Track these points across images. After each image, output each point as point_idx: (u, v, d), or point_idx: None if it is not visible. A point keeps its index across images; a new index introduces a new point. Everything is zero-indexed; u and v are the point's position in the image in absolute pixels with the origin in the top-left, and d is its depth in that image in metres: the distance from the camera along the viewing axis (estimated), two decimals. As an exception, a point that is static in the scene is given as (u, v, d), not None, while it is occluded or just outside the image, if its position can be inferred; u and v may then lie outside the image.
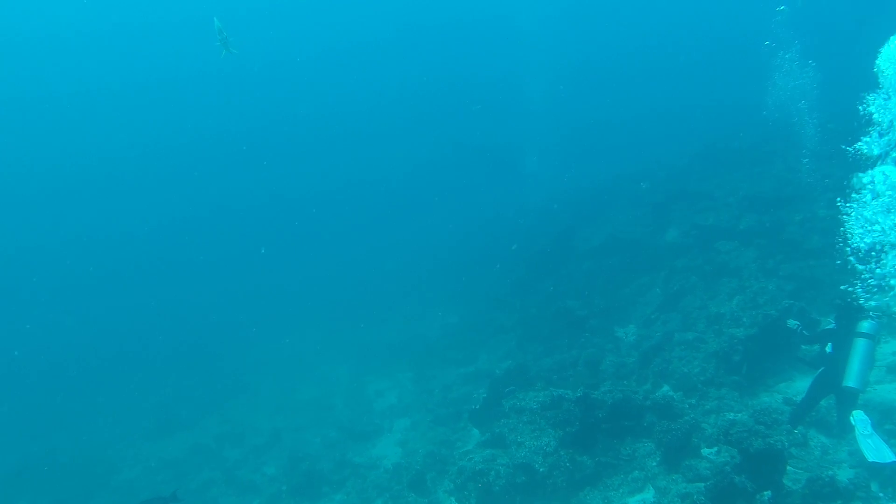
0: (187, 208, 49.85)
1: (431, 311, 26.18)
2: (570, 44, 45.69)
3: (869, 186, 8.93)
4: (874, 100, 9.13)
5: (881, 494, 8.38)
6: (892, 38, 9.07)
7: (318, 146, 53.55)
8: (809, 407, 9.71)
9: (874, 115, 9.14)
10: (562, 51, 43.74)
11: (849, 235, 9.05)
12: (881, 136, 9.20)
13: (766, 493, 8.19)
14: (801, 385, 11.64)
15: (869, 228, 8.92)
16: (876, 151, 9.23)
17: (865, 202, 8.91)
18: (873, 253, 9.01)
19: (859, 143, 9.07)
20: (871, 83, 9.08)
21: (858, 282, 9.89)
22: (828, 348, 9.46)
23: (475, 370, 18.84)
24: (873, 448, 8.22)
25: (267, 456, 18.21)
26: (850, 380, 8.84)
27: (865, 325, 9.04)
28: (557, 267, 21.49)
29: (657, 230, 19.83)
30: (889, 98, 9.09)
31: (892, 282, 9.51)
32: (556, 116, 36.89)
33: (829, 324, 9.69)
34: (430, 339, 23.22)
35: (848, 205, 9.10)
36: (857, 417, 8.58)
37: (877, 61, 9.12)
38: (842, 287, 10.01)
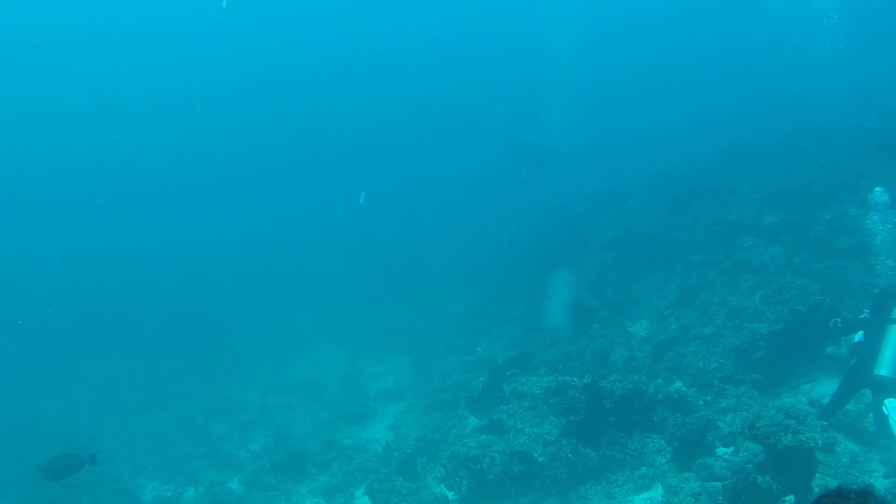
0: (190, 190, 49.01)
1: (436, 300, 25.39)
2: (594, 39, 44.81)
3: None
4: None
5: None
6: None
7: (327, 132, 52.70)
8: (841, 402, 8.83)
9: None
10: (586, 47, 42.90)
11: None
12: None
13: (789, 496, 7.34)
14: (826, 388, 10.77)
15: None
16: None
17: None
18: None
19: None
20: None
21: None
22: (857, 337, 8.65)
23: (476, 359, 18.00)
24: None
25: (254, 433, 17.47)
26: (883, 367, 8.01)
27: None
28: (568, 258, 20.61)
29: (675, 225, 18.91)
30: None
31: None
32: (578, 113, 36.01)
33: (863, 313, 8.86)
34: (433, 326, 22.40)
35: None
36: (891, 405, 7.78)
37: None
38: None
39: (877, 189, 9.83)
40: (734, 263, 15.27)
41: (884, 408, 7.99)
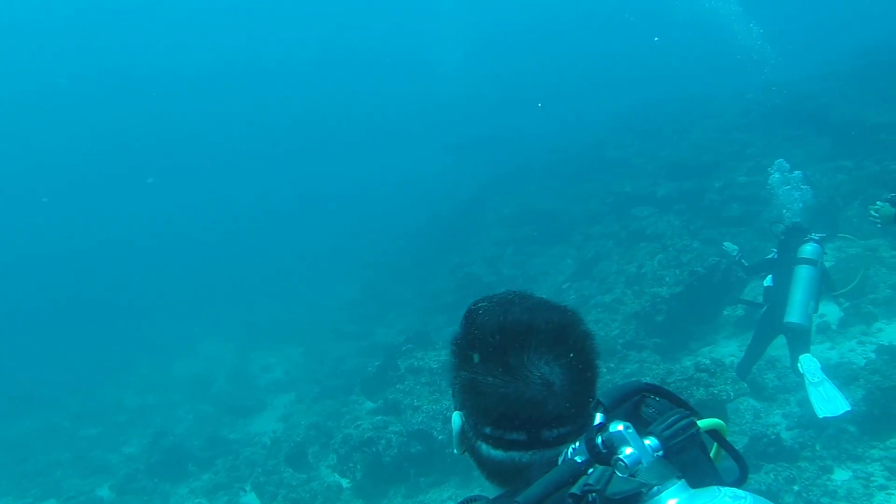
0: (69, 180, 45.17)
1: (329, 289, 24.33)
2: (487, 17, 44.72)
3: None
4: None
5: (825, 453, 7.28)
6: None
7: (220, 127, 50.07)
8: (756, 354, 8.31)
9: None
10: (478, 23, 42.73)
11: None
12: None
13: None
14: (725, 350, 10.71)
15: None
16: None
17: None
18: None
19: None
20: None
21: None
22: (767, 281, 8.01)
23: (371, 344, 17.22)
24: (823, 399, 6.91)
25: (128, 434, 15.88)
26: (793, 314, 7.37)
27: (807, 250, 7.59)
28: (464, 237, 20.11)
29: (571, 199, 18.75)
30: None
31: None
32: (468, 90, 35.75)
33: (771, 253, 8.39)
34: (325, 314, 21.41)
35: None
36: (805, 363, 7.19)
37: None
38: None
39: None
40: (630, 233, 15.20)
41: (798, 365, 7.48)
